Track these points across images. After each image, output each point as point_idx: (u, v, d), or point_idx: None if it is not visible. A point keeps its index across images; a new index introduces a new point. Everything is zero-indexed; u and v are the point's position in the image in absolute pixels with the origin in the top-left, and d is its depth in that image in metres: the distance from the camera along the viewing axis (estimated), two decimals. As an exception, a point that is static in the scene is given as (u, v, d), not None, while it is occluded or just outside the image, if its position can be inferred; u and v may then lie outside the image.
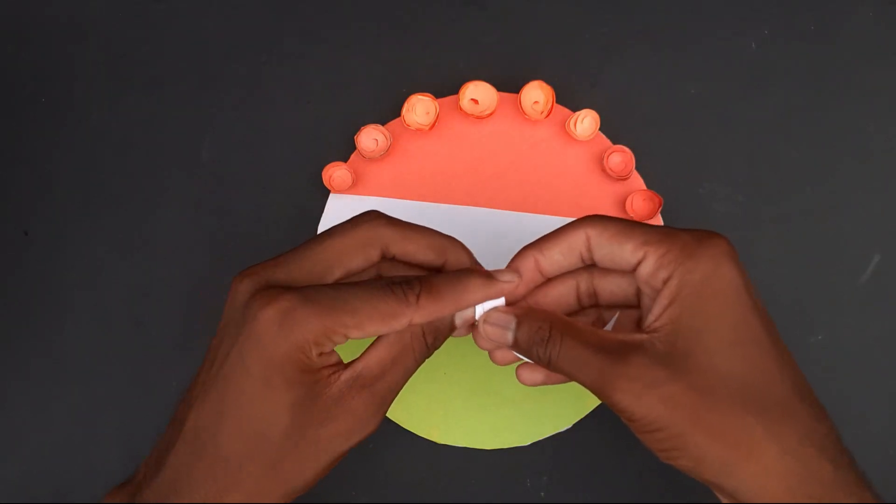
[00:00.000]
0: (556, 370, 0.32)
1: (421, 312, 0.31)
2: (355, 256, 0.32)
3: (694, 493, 0.41)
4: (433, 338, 0.33)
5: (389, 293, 0.31)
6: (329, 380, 0.31)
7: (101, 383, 0.43)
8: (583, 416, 0.42)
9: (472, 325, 0.34)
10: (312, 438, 0.30)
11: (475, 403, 0.42)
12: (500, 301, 0.33)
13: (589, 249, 0.33)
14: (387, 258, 0.33)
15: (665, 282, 0.30)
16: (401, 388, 0.32)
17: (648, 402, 0.29)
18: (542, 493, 0.42)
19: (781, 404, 0.30)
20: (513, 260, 0.34)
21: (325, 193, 0.44)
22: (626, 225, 0.32)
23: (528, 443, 0.42)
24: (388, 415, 0.42)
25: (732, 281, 0.30)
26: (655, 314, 0.31)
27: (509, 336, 0.33)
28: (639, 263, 0.31)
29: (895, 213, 0.43)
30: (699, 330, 0.30)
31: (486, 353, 0.42)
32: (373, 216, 0.33)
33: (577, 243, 0.32)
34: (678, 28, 0.45)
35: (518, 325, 0.32)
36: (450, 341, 0.40)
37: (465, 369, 0.42)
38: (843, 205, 0.44)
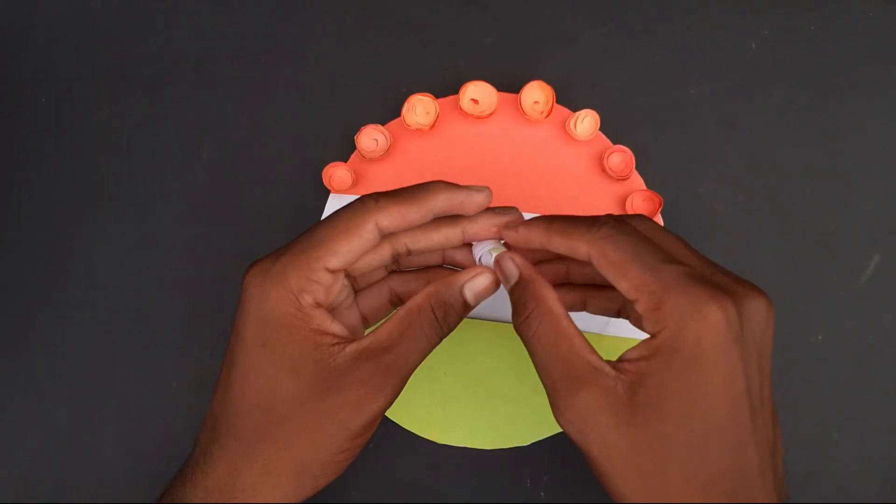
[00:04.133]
0: (525, 344, 0.31)
1: (384, 213, 0.31)
2: (347, 241, 0.31)
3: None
4: (443, 312, 0.32)
5: (348, 207, 0.31)
6: (333, 350, 0.30)
7: (101, 383, 0.43)
8: (583, 416, 0.42)
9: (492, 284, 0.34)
10: (319, 410, 0.30)
11: (475, 403, 0.42)
12: (498, 244, 0.34)
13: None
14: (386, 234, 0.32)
15: (656, 333, 0.28)
16: (413, 363, 0.31)
17: (588, 440, 0.28)
18: (542, 493, 0.42)
19: None
20: (525, 223, 0.33)
21: (325, 193, 0.44)
22: (628, 257, 0.29)
23: (528, 443, 0.42)
24: (388, 415, 0.42)
25: (730, 361, 0.27)
26: (632, 355, 0.28)
27: (508, 284, 0.32)
28: (634, 301, 0.29)
29: (895, 213, 0.43)
30: (667, 397, 0.27)
31: (487, 353, 0.42)
32: (365, 198, 0.32)
33: (580, 253, 0.31)
34: (678, 28, 0.45)
35: (516, 284, 0.32)
36: (449, 343, 0.40)
37: (466, 369, 0.42)
38: (843, 205, 0.44)
